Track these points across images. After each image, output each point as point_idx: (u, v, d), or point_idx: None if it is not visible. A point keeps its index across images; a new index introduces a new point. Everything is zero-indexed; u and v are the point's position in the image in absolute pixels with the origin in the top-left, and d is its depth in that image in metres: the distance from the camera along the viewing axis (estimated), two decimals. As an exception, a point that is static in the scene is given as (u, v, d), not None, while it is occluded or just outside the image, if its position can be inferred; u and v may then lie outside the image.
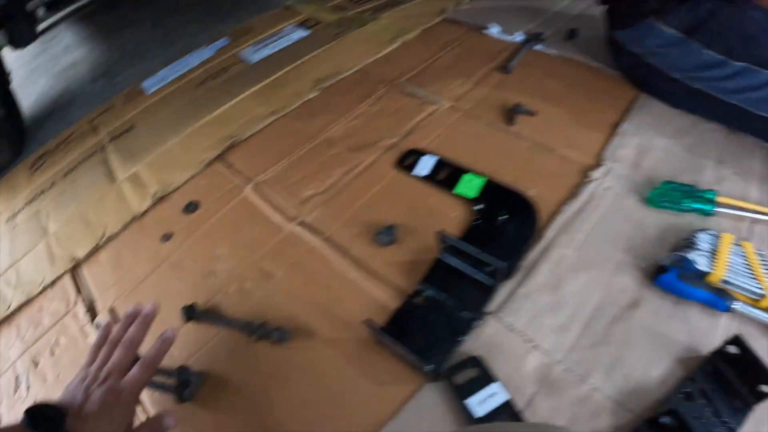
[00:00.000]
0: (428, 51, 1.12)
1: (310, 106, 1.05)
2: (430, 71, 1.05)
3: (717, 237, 0.66)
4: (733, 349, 0.53)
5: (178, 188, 0.96)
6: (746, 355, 0.51)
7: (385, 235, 0.71)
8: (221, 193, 0.91)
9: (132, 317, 0.60)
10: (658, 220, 0.69)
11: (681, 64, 0.81)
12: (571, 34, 1.06)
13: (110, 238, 0.91)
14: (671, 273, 0.60)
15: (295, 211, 0.82)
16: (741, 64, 0.74)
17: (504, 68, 0.98)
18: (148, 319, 0.61)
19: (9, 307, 0.87)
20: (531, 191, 0.74)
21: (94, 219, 0.96)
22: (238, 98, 1.13)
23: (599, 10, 0.94)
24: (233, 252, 0.80)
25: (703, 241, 0.65)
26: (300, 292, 0.70)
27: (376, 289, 0.68)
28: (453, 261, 0.66)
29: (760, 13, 0.75)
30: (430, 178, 0.79)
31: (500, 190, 0.74)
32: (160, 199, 0.94)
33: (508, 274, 0.65)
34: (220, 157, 0.99)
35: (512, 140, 0.84)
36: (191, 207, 0.90)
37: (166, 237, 0.86)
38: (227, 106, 1.12)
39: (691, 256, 0.62)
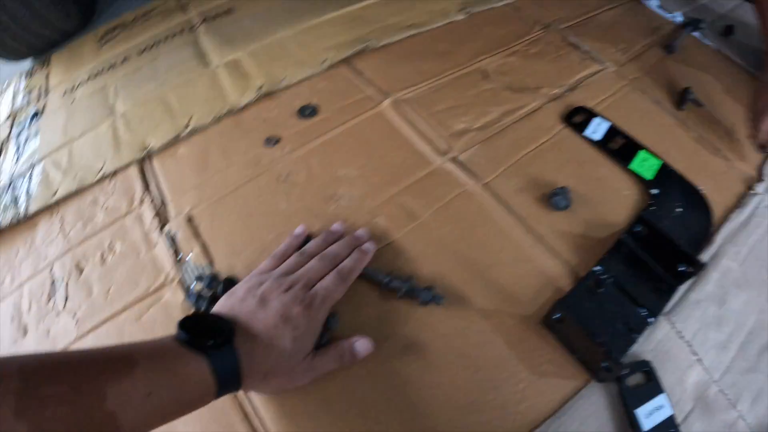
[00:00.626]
0: (584, 2, 1.01)
1: (456, 30, 0.90)
2: (591, 26, 0.93)
3: None
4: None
5: (290, 87, 0.80)
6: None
7: (562, 197, 0.63)
8: (349, 102, 0.78)
9: (337, 235, 0.50)
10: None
11: None
12: (728, 31, 0.98)
13: (195, 130, 0.75)
14: None
15: (445, 145, 0.72)
16: None
17: (667, 47, 0.91)
18: (362, 247, 0.50)
19: (55, 193, 0.71)
20: (700, 188, 0.70)
21: (177, 104, 0.80)
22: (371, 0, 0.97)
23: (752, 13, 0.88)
24: (364, 176, 0.68)
25: None
26: (451, 244, 0.61)
27: (545, 258, 0.60)
28: (637, 247, 0.60)
29: None
30: (601, 144, 0.72)
31: (676, 178, 0.69)
32: (266, 95, 0.79)
33: (693, 275, 0.59)
34: (346, 61, 0.84)
35: (681, 127, 0.77)
36: (308, 111, 0.76)
37: (272, 141, 0.73)
38: (358, 6, 0.95)
39: None
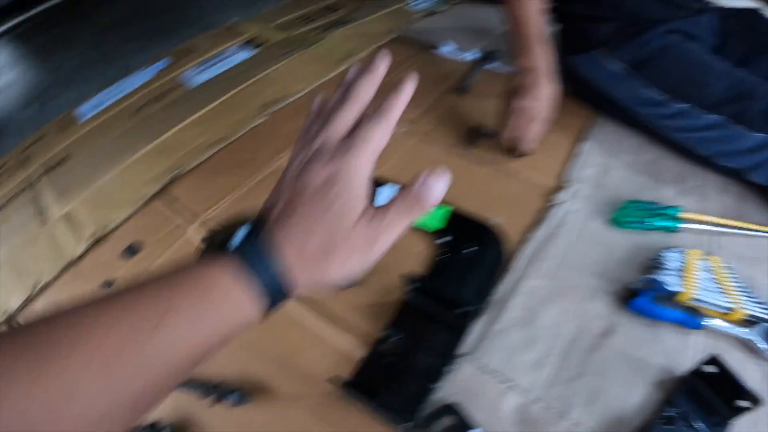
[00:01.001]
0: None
1: (259, 134, 0.97)
2: (385, 90, 0.97)
3: (684, 254, 0.64)
4: (709, 369, 0.51)
5: (116, 228, 0.85)
6: (723, 373, 0.50)
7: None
8: (163, 234, 0.82)
9: (352, 81, 0.37)
10: (625, 241, 0.67)
11: (625, 97, 0.79)
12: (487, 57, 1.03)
13: (45, 287, 0.79)
14: (643, 296, 0.59)
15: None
16: (682, 105, 0.73)
17: (460, 88, 0.95)
18: (378, 75, 0.37)
19: None
20: (497, 219, 0.70)
21: (26, 266, 0.84)
22: (179, 126, 1.04)
23: (553, 31, 0.92)
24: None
25: (671, 260, 0.63)
26: (254, 344, 0.63)
27: (338, 336, 0.61)
28: (421, 302, 0.60)
29: (705, 56, 0.75)
30: None
31: (465, 220, 0.70)
32: (98, 241, 0.84)
33: (478, 312, 0.60)
34: (162, 192, 0.90)
35: (474, 165, 0.80)
36: (132, 250, 0.81)
37: (107, 284, 0.76)
38: (167, 135, 1.02)
39: (661, 277, 0.60)
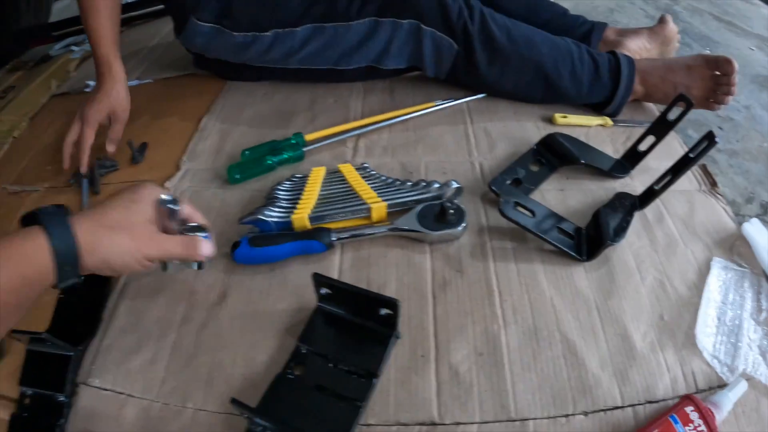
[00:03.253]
0: (35, 138, 0.92)
1: None
2: (33, 159, 0.81)
3: (303, 178, 0.60)
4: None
5: None
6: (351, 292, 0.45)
7: None
8: None
9: None
10: (244, 193, 0.62)
11: (229, 51, 0.76)
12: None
13: None
14: (243, 244, 0.51)
15: None
16: (270, 33, 0.71)
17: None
18: None
19: None
20: None
21: None
22: None
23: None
24: None
25: (285, 189, 0.58)
26: None
27: None
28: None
29: None
30: None
31: None
32: None
33: (83, 338, 0.49)
34: None
35: (96, 197, 0.67)
36: None
37: None
38: None
39: (264, 212, 0.54)
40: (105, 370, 0.47)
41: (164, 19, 1.08)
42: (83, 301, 0.53)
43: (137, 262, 0.40)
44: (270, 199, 0.57)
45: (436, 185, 0.56)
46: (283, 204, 0.55)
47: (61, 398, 0.45)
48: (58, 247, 0.35)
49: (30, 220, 0.36)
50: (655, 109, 0.73)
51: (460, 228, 0.52)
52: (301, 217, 0.53)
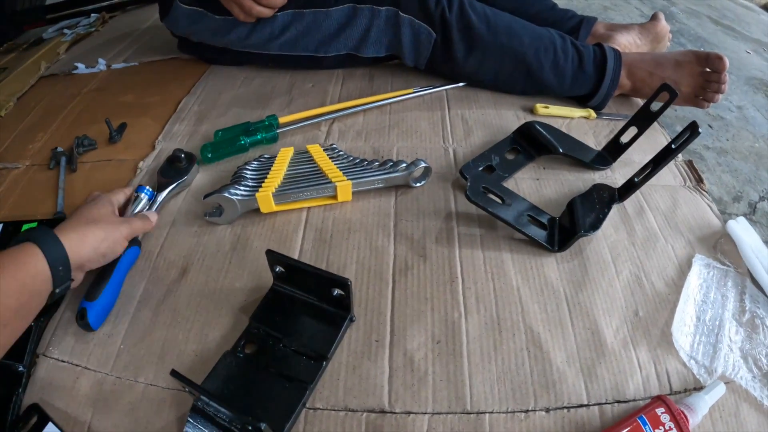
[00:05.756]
0: (21, 118, 0.90)
1: None
2: (17, 138, 0.78)
3: (273, 157, 0.57)
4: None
5: None
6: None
7: None
8: None
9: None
10: (215, 174, 0.59)
11: (212, 34, 0.73)
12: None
13: None
14: (89, 310, 0.45)
15: None
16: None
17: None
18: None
19: None
20: None
21: None
22: None
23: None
24: None
25: (252, 169, 0.55)
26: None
27: None
28: None
29: None
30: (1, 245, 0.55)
31: (48, 226, 0.55)
32: None
33: (46, 310, 0.46)
34: None
35: (73, 174, 0.65)
36: None
37: None
38: None
39: (231, 191, 0.51)
40: (64, 341, 0.46)
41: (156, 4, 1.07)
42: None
43: (117, 243, 0.45)
44: (236, 178, 0.54)
45: (404, 164, 0.53)
46: (249, 183, 0.53)
47: (20, 368, 0.43)
48: (48, 251, 0.39)
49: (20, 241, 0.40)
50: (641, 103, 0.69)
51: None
52: (266, 195, 0.50)
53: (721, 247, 0.51)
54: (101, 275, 0.47)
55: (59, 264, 0.39)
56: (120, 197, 0.52)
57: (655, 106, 0.54)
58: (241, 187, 0.51)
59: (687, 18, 1.06)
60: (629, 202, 0.53)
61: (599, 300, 0.44)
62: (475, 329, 0.41)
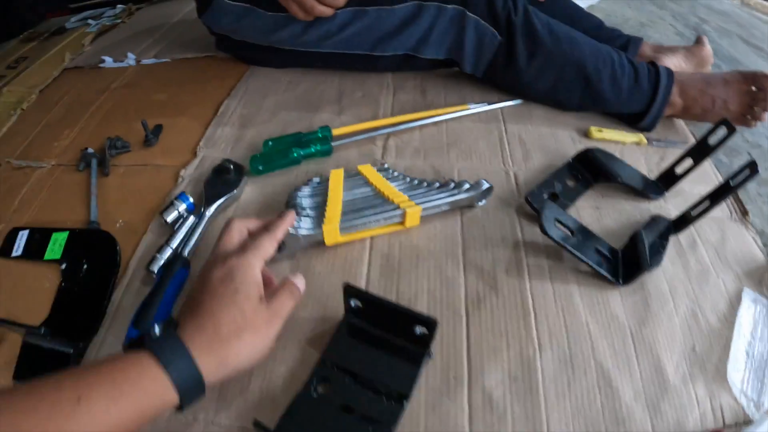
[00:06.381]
0: (44, 112, 0.85)
1: None
2: (41, 134, 0.76)
3: (322, 183, 0.55)
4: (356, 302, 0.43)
5: None
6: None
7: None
8: None
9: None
10: (265, 187, 0.57)
11: (259, 32, 0.70)
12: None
13: None
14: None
15: None
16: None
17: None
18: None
19: None
20: (117, 223, 0.56)
21: None
22: None
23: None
24: None
25: (305, 197, 0.53)
26: None
27: None
28: None
29: None
30: (26, 254, 0.55)
31: (81, 237, 0.55)
32: None
33: (83, 334, 0.46)
34: None
35: (105, 179, 0.63)
36: None
37: None
38: None
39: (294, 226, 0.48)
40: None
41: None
42: (85, 292, 0.50)
43: (266, 349, 0.37)
44: (294, 208, 0.51)
45: (467, 185, 0.53)
46: (308, 212, 0.51)
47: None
48: (179, 380, 0.31)
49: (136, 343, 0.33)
50: (687, 131, 0.70)
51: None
52: (332, 228, 0.49)
53: (767, 281, 0.53)
54: (149, 299, 0.44)
55: (190, 392, 0.32)
56: (268, 249, 0.41)
57: (712, 137, 0.55)
58: (303, 221, 0.49)
59: (719, 37, 1.06)
60: (683, 235, 0.54)
61: (660, 335, 0.46)
62: (549, 365, 0.43)
